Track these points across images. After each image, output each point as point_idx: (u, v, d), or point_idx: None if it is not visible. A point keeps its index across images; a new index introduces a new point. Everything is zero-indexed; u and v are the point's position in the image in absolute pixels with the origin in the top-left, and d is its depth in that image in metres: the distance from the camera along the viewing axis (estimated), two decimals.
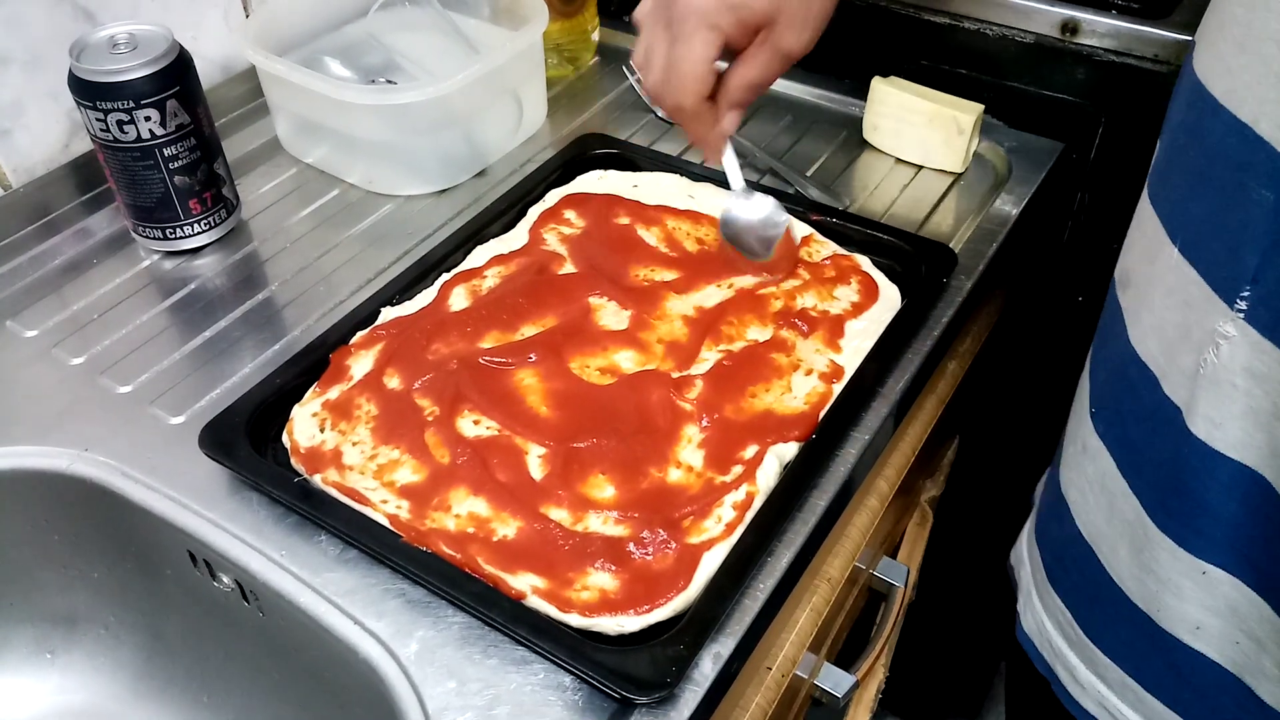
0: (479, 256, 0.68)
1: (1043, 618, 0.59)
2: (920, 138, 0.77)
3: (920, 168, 0.79)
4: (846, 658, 0.70)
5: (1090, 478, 0.52)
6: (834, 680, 0.65)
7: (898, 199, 0.75)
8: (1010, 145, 0.79)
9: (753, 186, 0.65)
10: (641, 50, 0.58)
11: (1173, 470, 0.45)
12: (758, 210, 0.64)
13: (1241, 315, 0.40)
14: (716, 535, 0.50)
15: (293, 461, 0.56)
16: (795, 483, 0.53)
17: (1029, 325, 0.88)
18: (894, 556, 0.80)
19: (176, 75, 0.65)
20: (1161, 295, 0.45)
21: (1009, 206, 0.74)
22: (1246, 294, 0.40)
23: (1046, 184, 0.76)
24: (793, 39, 0.54)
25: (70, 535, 0.59)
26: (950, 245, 0.67)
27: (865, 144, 0.81)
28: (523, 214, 0.72)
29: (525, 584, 0.49)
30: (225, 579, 0.55)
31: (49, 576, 0.61)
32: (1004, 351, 0.84)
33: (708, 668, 0.46)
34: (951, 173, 0.78)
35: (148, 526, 0.55)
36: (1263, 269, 0.39)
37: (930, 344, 0.62)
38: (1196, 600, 0.46)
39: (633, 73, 0.88)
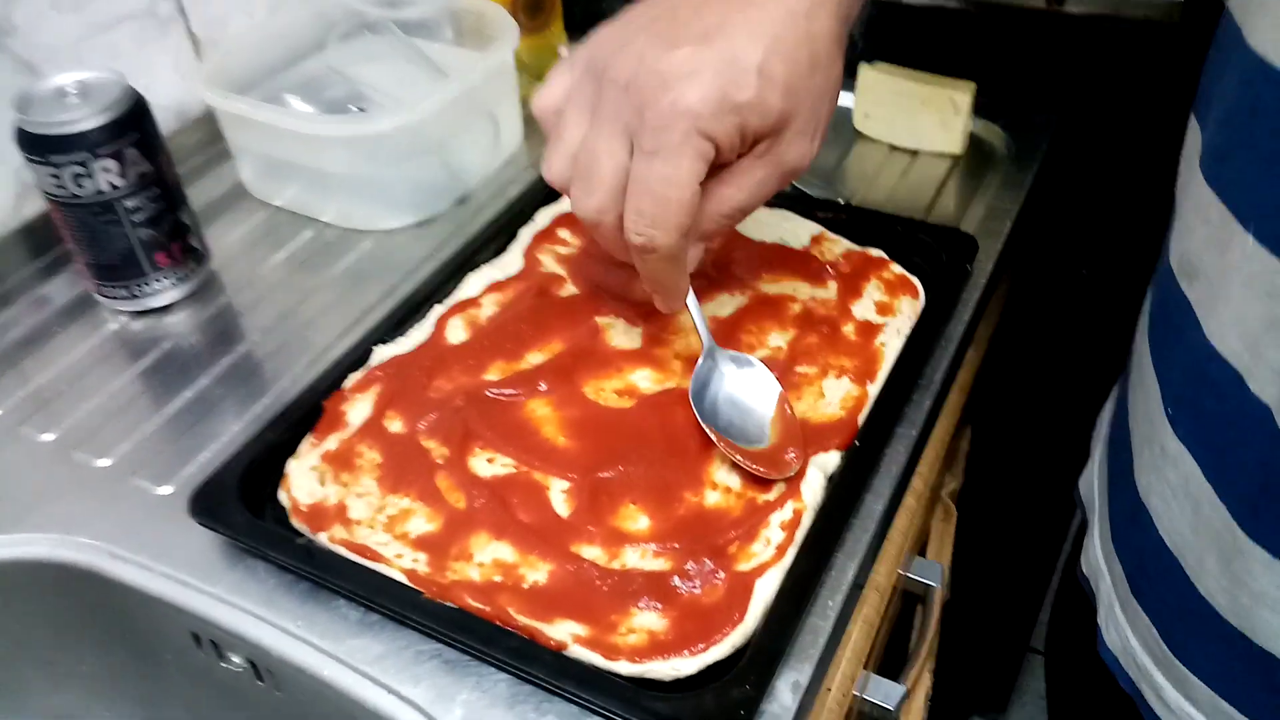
0: (473, 285, 0.64)
1: (1127, 633, 0.55)
2: (915, 122, 0.75)
3: (916, 153, 0.76)
4: (887, 666, 0.66)
5: (1172, 484, 0.48)
6: (884, 692, 0.61)
7: (898, 187, 0.72)
8: (1004, 121, 0.77)
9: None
10: (562, 155, 0.45)
11: (1264, 475, 0.41)
12: (742, 378, 0.53)
13: None
14: (767, 559, 0.46)
15: (293, 521, 0.51)
16: (847, 491, 0.49)
17: (1038, 304, 0.85)
18: (923, 554, 0.76)
19: (134, 121, 0.61)
20: (1239, 286, 0.41)
21: (1015, 184, 0.71)
22: None
23: (1050, 157, 0.74)
24: (800, 150, 0.45)
25: (55, 628, 0.54)
26: (964, 231, 0.64)
27: (857, 134, 0.78)
28: (514, 237, 0.68)
29: (565, 633, 0.45)
30: (235, 658, 0.50)
31: (33, 673, 0.55)
32: (1016, 333, 0.81)
33: (788, 699, 0.42)
34: (950, 155, 0.75)
35: (143, 610, 0.51)
36: None
37: (961, 331, 0.59)
38: None
39: None
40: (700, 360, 0.54)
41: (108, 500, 0.55)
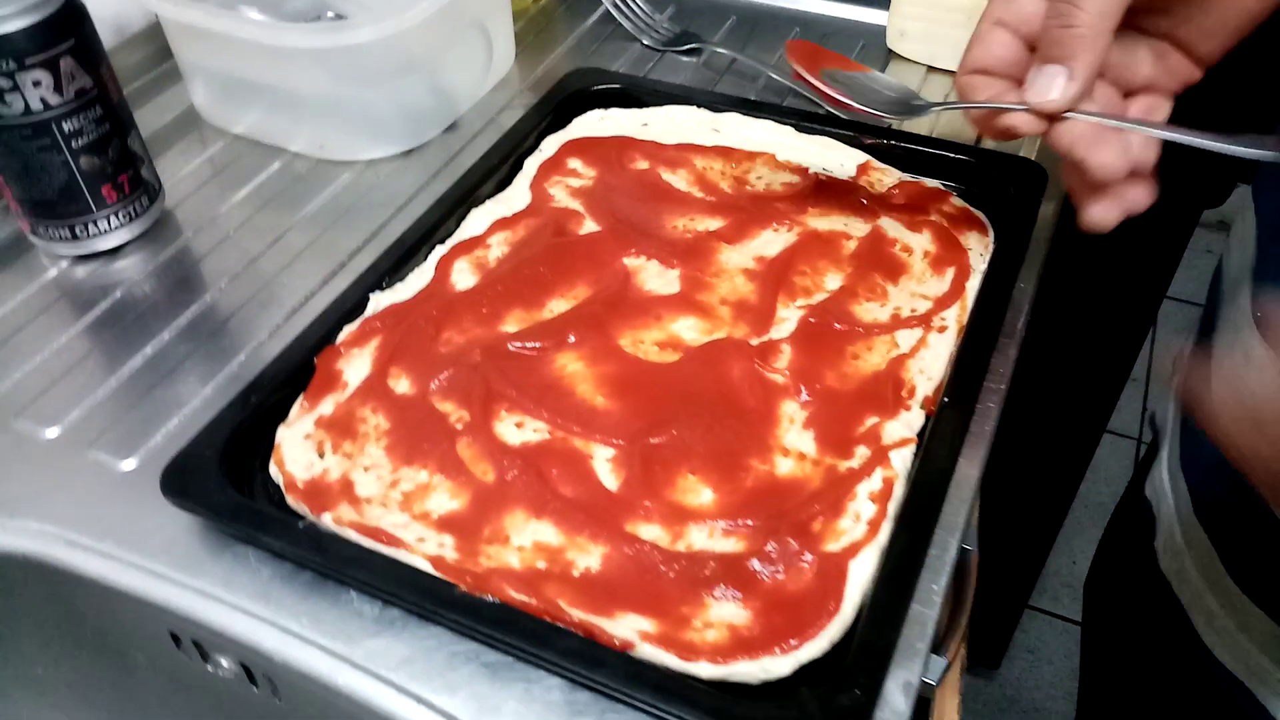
0: (477, 222, 0.56)
1: (1184, 556, 0.51)
2: (957, 40, 0.67)
3: None
4: None
5: None
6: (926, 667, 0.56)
7: (939, 115, 0.65)
8: None
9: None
10: None
11: None
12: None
13: None
14: (860, 537, 0.40)
15: (290, 500, 0.43)
16: (940, 455, 0.43)
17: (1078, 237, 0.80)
18: None
19: (69, 25, 0.51)
20: None
21: None
22: None
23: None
24: None
25: (9, 630, 0.45)
26: (1030, 159, 0.58)
27: (891, 54, 0.70)
28: (518, 168, 0.60)
29: (629, 629, 0.38)
30: (224, 661, 0.42)
31: None
32: (1066, 262, 0.75)
33: (900, 703, 0.36)
34: None
35: (109, 606, 0.42)
36: None
37: (1036, 273, 0.52)
38: None
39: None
40: None
41: (59, 477, 0.46)
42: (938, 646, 0.60)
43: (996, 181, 0.56)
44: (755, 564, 0.39)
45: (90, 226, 0.57)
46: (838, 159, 0.58)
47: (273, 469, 0.44)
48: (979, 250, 0.53)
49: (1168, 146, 0.43)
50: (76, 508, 0.45)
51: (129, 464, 0.47)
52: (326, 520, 0.42)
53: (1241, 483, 0.42)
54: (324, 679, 0.39)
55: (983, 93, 0.44)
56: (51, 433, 0.49)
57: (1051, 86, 0.41)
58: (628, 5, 0.75)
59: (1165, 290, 0.91)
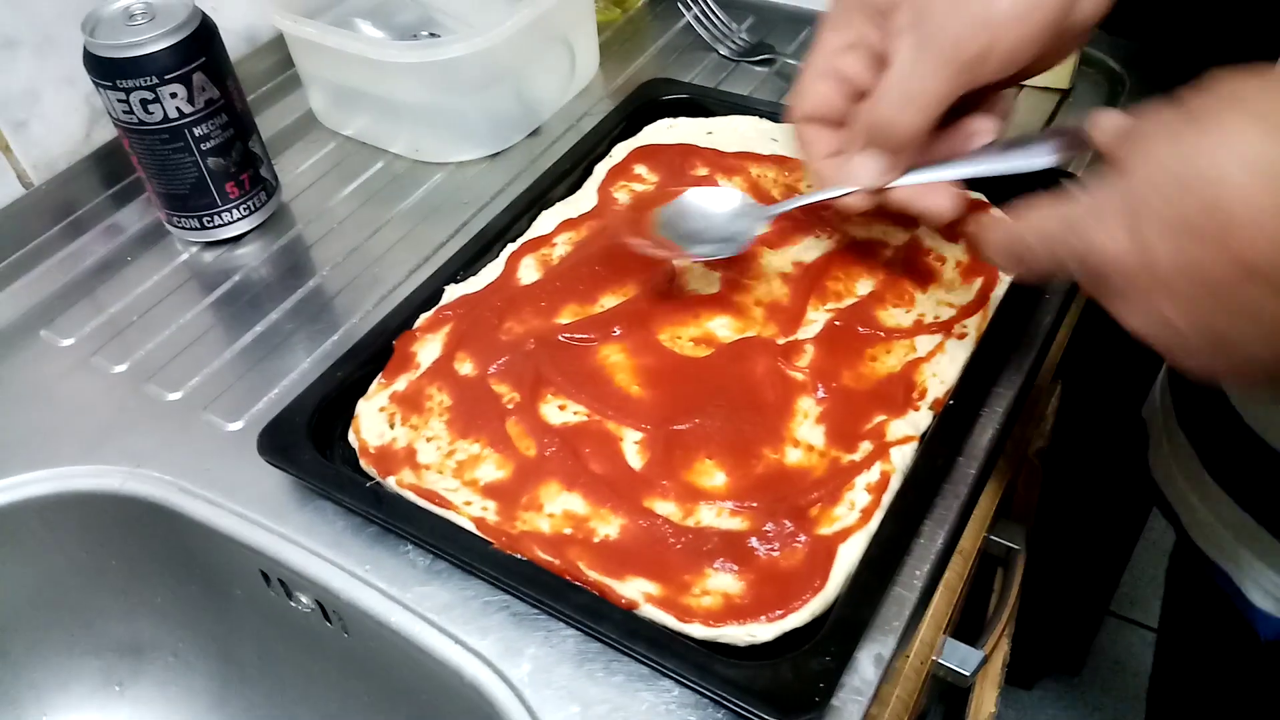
0: (546, 223, 0.61)
1: (1170, 462, 0.57)
2: None
3: (1020, 87, 0.70)
4: (964, 629, 0.64)
5: None
6: (960, 657, 0.58)
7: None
8: (1119, 53, 0.70)
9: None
10: None
11: None
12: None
13: None
14: (851, 524, 0.44)
15: (362, 463, 0.50)
16: (940, 454, 0.46)
17: None
18: (1006, 514, 0.73)
19: (201, 45, 0.59)
20: None
21: None
22: None
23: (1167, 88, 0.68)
24: None
25: (128, 559, 0.54)
26: (1072, 172, 0.59)
27: None
28: (588, 173, 0.65)
29: (636, 591, 0.43)
30: (304, 599, 0.49)
31: (109, 604, 0.56)
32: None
33: (870, 672, 0.40)
34: (1057, 90, 0.70)
35: (213, 546, 0.50)
36: None
37: (1066, 284, 0.55)
38: None
39: (688, 8, 0.81)
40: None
41: (178, 434, 0.55)
42: (975, 639, 0.63)
43: (1031, 191, 0.58)
44: (754, 542, 0.44)
45: (216, 217, 0.65)
46: None
47: (350, 436, 0.51)
48: None
49: None
50: (190, 461, 0.53)
51: (235, 425, 0.55)
52: (391, 483, 0.49)
53: (1215, 391, 0.49)
54: (380, 617, 0.46)
55: (818, 145, 0.49)
56: (174, 396, 0.57)
57: (872, 171, 0.46)
58: (708, 16, 0.80)
59: None
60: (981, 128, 0.47)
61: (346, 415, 0.52)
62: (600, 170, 0.65)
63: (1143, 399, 0.79)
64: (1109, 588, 1.17)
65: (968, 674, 0.58)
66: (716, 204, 0.55)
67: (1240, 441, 0.50)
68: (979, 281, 0.54)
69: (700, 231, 0.54)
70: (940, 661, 0.57)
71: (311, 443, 0.50)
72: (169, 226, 0.67)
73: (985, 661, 0.62)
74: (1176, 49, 0.70)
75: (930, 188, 0.47)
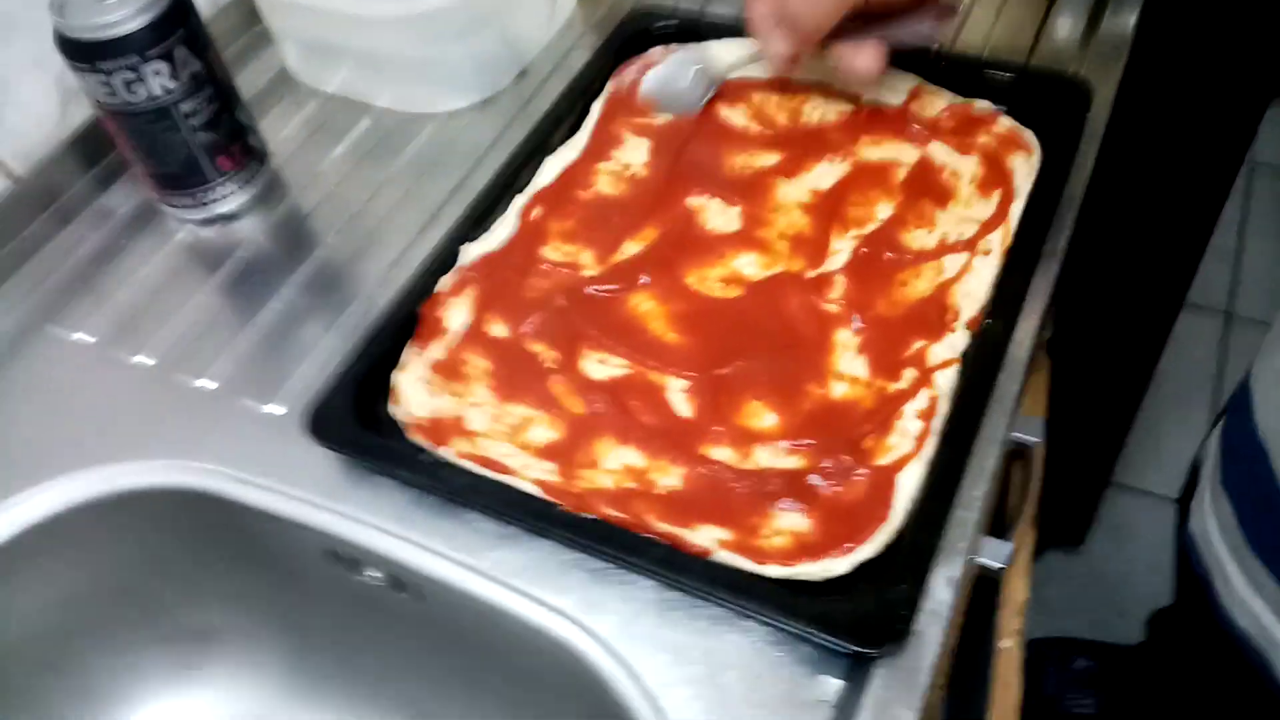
0: (551, 171, 0.61)
1: (1208, 519, 0.55)
2: None
3: None
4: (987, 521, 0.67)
5: (1277, 369, 0.46)
6: (993, 552, 0.61)
7: (995, 27, 0.67)
8: None
9: None
10: None
11: None
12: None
13: None
14: (907, 452, 0.45)
15: (412, 437, 0.51)
16: (982, 373, 0.48)
17: (1142, 142, 0.81)
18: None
19: (179, 16, 0.57)
20: None
21: (1124, 17, 0.65)
22: None
23: None
24: None
25: (188, 551, 0.54)
26: (1077, 76, 0.60)
27: None
28: (585, 113, 0.64)
29: (708, 538, 0.44)
30: (375, 573, 0.50)
31: (174, 596, 0.56)
32: (1114, 171, 0.77)
33: (944, 594, 0.42)
34: None
35: (275, 531, 0.51)
36: None
37: (1081, 191, 0.55)
38: None
39: None
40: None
41: (217, 422, 0.54)
42: (1003, 532, 0.66)
43: (1044, 99, 0.58)
44: (815, 479, 0.45)
45: (211, 192, 0.63)
46: (890, 83, 0.61)
47: (391, 409, 0.51)
48: (1025, 171, 0.56)
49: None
50: (237, 448, 0.53)
51: (272, 408, 0.55)
52: (447, 453, 0.49)
53: (1264, 452, 0.46)
54: (459, 586, 0.47)
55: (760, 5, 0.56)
56: (204, 383, 0.56)
57: (780, 52, 0.55)
58: None
59: (1245, 152, 0.89)
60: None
61: (387, 389, 0.52)
62: (597, 109, 0.64)
63: (1155, 276, 0.79)
64: (1109, 460, 1.21)
65: (1000, 565, 0.61)
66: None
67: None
68: (997, 194, 0.55)
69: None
70: (979, 560, 0.60)
71: (358, 421, 0.50)
72: (163, 206, 0.65)
73: (1015, 553, 0.65)
74: None
75: (858, 49, 0.53)
